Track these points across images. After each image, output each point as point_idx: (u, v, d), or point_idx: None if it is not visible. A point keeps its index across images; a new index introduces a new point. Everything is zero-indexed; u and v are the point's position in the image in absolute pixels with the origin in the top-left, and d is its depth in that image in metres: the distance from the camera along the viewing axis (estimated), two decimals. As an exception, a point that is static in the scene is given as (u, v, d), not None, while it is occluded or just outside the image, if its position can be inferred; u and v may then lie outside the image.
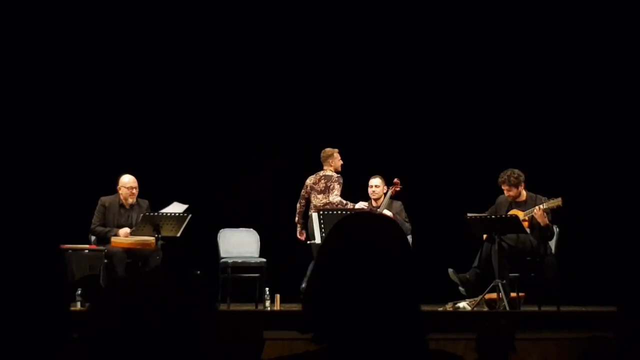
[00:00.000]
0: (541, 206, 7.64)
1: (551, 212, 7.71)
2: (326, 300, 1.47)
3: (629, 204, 9.89)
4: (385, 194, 8.59)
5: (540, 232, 7.75)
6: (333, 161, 8.84)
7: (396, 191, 8.59)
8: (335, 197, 8.66)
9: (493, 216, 7.73)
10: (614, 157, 10.07)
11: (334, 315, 1.46)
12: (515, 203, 7.95)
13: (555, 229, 7.99)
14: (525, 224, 7.70)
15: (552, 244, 7.94)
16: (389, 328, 1.47)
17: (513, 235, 7.72)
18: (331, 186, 8.71)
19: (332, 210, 7.93)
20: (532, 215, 7.68)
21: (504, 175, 7.91)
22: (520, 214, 7.73)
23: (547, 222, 7.64)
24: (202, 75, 10.51)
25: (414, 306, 1.52)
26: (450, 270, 8.18)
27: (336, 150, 8.91)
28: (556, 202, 7.63)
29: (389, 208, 8.48)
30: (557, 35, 10.23)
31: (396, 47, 10.47)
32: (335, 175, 8.74)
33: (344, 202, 8.58)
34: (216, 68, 10.54)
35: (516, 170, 7.92)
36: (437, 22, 10.44)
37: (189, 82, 10.48)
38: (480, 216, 7.91)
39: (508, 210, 7.89)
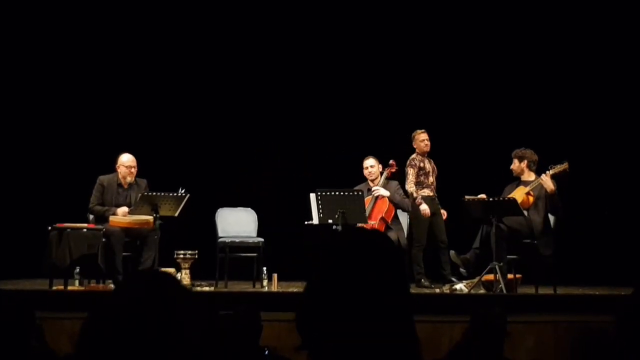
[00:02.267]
0: (548, 172, 7.69)
1: (556, 186, 7.72)
2: (321, 319, 1.46)
3: (628, 188, 9.93)
4: (381, 173, 8.61)
5: (546, 204, 7.74)
6: (415, 143, 8.92)
7: (392, 172, 8.62)
8: (408, 184, 8.75)
9: (491, 198, 7.73)
10: (617, 140, 10.09)
11: (328, 335, 1.46)
12: (523, 182, 7.98)
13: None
14: (531, 199, 7.75)
15: (552, 222, 7.94)
16: (383, 346, 1.46)
17: (512, 217, 7.73)
18: (407, 170, 8.84)
19: (329, 190, 7.91)
20: (539, 185, 7.71)
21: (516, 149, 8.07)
22: (525, 189, 7.78)
23: (554, 188, 7.65)
24: (199, 55, 10.51)
25: (408, 323, 1.51)
26: (451, 252, 8.24)
27: (419, 131, 8.93)
28: (563, 166, 7.69)
29: (385, 188, 8.50)
30: (561, 12, 10.23)
31: (394, 35, 10.50)
32: (412, 156, 8.84)
33: (412, 193, 8.67)
34: (213, 49, 10.54)
35: (528, 149, 8.05)
36: (435, 11, 10.45)
37: (187, 62, 10.49)
38: (478, 198, 7.92)
39: (515, 190, 7.93)
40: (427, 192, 8.75)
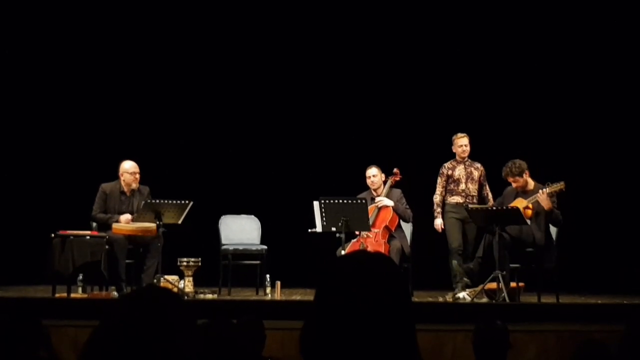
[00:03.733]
0: (545, 189, 7.63)
1: (556, 198, 7.69)
2: (325, 344, 1.46)
3: (629, 194, 9.93)
4: (384, 182, 8.59)
5: (546, 217, 7.72)
6: (454, 147, 8.69)
7: (396, 180, 8.59)
8: (435, 194, 8.62)
9: (494, 207, 7.71)
10: (615, 149, 10.09)
11: (331, 358, 1.45)
12: (521, 193, 7.93)
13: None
14: (529, 212, 7.69)
15: (554, 233, 7.92)
16: None
17: (515, 226, 7.71)
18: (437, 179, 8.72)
19: (333, 198, 7.90)
20: (537, 201, 7.67)
21: (506, 169, 7.89)
22: (524, 202, 7.73)
23: (551, 205, 7.61)
24: (203, 62, 10.53)
25: (411, 348, 1.50)
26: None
27: (459, 134, 8.66)
28: (559, 185, 7.62)
29: (388, 197, 8.49)
30: (555, 22, 10.27)
31: (394, 39, 10.51)
32: (444, 164, 8.67)
33: (435, 202, 8.57)
34: (217, 56, 10.55)
35: (517, 161, 7.88)
36: (436, 15, 10.46)
37: (190, 70, 10.51)
38: (482, 207, 7.92)
39: (514, 201, 7.89)
40: (457, 199, 8.54)
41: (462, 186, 8.57)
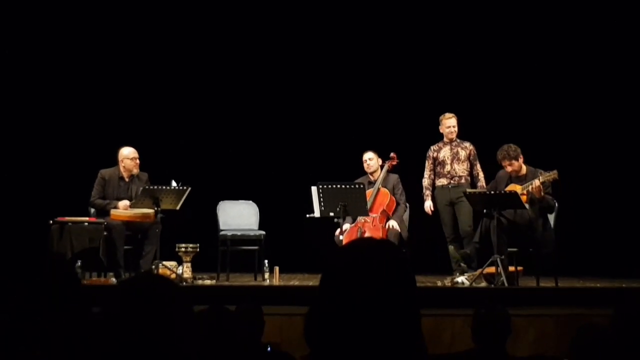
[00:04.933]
0: (537, 179, 7.58)
1: (550, 186, 7.68)
2: (329, 331, 1.45)
3: (628, 178, 9.94)
4: (381, 167, 8.57)
5: (539, 205, 7.72)
6: (441, 128, 8.55)
7: (392, 165, 8.58)
8: (423, 178, 8.57)
9: (492, 192, 7.69)
10: (612, 132, 10.09)
11: (337, 345, 1.45)
12: (515, 177, 7.91)
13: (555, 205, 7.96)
14: (524, 198, 7.63)
15: (551, 218, 7.92)
16: (391, 357, 1.45)
17: (512, 210, 7.70)
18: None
19: (331, 183, 7.88)
20: (530, 189, 7.63)
21: (502, 152, 7.82)
22: (518, 188, 7.69)
23: (543, 194, 7.58)
24: (200, 49, 10.50)
25: (416, 334, 1.49)
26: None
27: (447, 115, 8.53)
28: (552, 174, 7.56)
29: (385, 181, 8.48)
30: (549, 7, 10.25)
31: (388, 25, 10.49)
32: (431, 147, 8.58)
33: (424, 186, 8.52)
34: (214, 44, 10.53)
35: (512, 145, 7.83)
36: (433, 9, 10.45)
37: (187, 57, 10.48)
38: (479, 192, 7.90)
39: (507, 185, 7.86)
40: (442, 181, 8.45)
41: (448, 167, 8.47)
